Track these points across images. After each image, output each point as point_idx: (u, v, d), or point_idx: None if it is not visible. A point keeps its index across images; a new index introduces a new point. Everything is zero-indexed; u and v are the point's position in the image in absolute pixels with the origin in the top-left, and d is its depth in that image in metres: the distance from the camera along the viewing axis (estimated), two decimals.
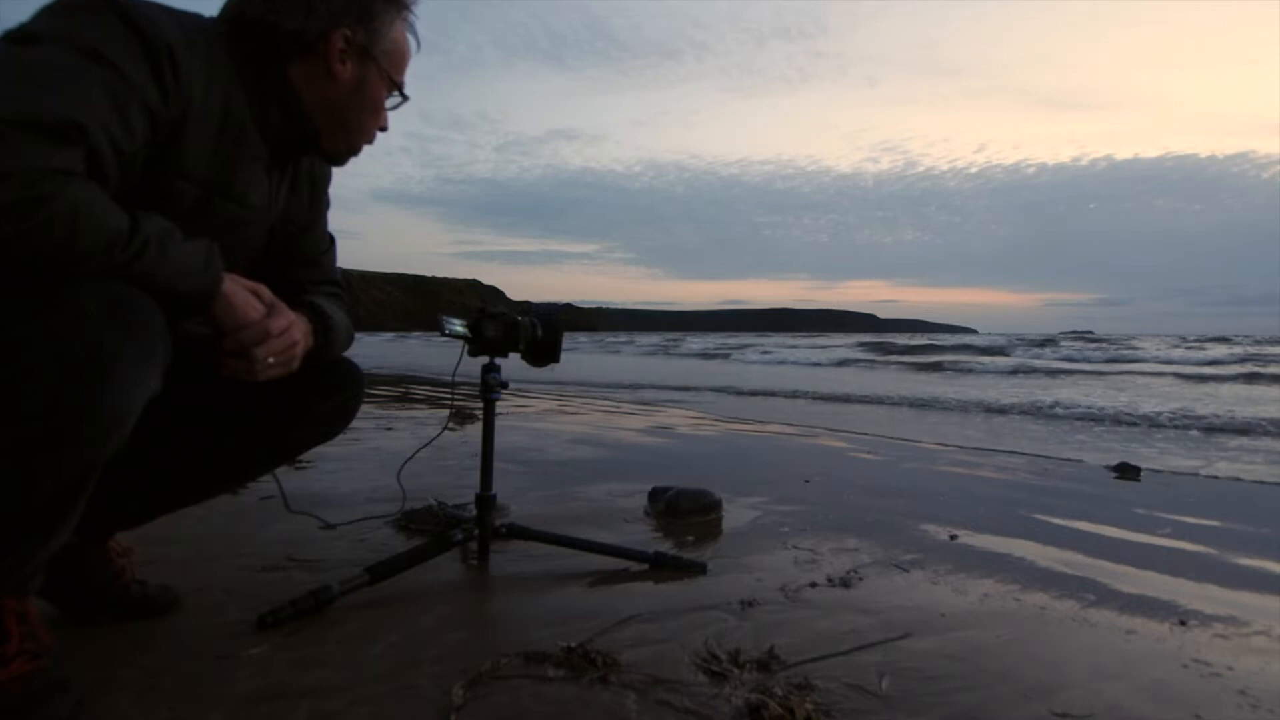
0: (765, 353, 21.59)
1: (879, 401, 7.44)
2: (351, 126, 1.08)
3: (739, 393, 8.56)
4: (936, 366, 14.33)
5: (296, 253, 1.19)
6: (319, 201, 1.23)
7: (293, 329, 0.99)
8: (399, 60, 1.09)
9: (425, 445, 1.74)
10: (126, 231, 0.76)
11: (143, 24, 0.81)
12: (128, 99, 0.78)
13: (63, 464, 0.76)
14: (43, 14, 0.80)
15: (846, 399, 7.69)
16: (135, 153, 0.81)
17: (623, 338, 49.67)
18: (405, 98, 1.11)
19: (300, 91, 1.01)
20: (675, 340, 37.09)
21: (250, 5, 0.96)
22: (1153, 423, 5.64)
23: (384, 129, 1.13)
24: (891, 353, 20.23)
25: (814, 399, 7.81)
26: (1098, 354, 17.57)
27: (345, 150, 1.12)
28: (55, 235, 0.70)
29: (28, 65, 0.74)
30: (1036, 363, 15.08)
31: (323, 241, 1.26)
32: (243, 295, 0.94)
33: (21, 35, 0.77)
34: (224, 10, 0.98)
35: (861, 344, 27.48)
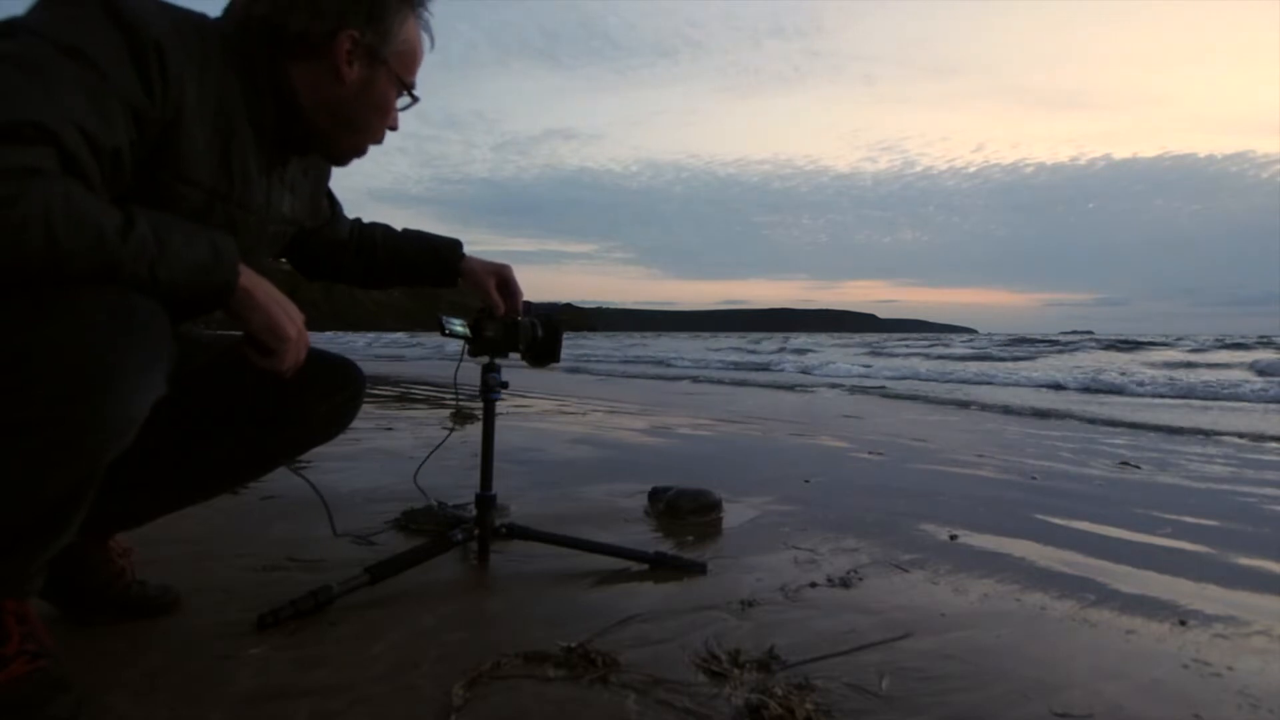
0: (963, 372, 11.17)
1: None
2: (357, 127, 1.05)
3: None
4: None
5: (314, 249, 1.28)
6: (319, 199, 1.23)
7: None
8: (409, 60, 1.05)
9: (435, 449, 1.76)
10: (117, 227, 0.72)
11: (129, 19, 0.78)
12: (105, 95, 0.75)
13: (65, 472, 0.75)
14: (32, 8, 0.77)
15: None
16: (120, 149, 0.77)
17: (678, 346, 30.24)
18: (415, 99, 1.07)
19: (302, 91, 0.98)
20: (757, 355, 18.31)
21: (255, 5, 0.94)
22: None
23: (394, 128, 1.09)
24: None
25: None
26: None
27: (349, 151, 1.08)
28: (31, 237, 0.66)
29: None
30: None
31: (341, 220, 1.35)
32: (266, 288, 0.90)
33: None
34: (229, 11, 0.96)
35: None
